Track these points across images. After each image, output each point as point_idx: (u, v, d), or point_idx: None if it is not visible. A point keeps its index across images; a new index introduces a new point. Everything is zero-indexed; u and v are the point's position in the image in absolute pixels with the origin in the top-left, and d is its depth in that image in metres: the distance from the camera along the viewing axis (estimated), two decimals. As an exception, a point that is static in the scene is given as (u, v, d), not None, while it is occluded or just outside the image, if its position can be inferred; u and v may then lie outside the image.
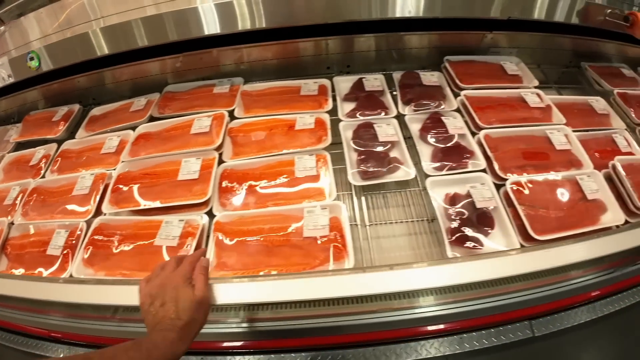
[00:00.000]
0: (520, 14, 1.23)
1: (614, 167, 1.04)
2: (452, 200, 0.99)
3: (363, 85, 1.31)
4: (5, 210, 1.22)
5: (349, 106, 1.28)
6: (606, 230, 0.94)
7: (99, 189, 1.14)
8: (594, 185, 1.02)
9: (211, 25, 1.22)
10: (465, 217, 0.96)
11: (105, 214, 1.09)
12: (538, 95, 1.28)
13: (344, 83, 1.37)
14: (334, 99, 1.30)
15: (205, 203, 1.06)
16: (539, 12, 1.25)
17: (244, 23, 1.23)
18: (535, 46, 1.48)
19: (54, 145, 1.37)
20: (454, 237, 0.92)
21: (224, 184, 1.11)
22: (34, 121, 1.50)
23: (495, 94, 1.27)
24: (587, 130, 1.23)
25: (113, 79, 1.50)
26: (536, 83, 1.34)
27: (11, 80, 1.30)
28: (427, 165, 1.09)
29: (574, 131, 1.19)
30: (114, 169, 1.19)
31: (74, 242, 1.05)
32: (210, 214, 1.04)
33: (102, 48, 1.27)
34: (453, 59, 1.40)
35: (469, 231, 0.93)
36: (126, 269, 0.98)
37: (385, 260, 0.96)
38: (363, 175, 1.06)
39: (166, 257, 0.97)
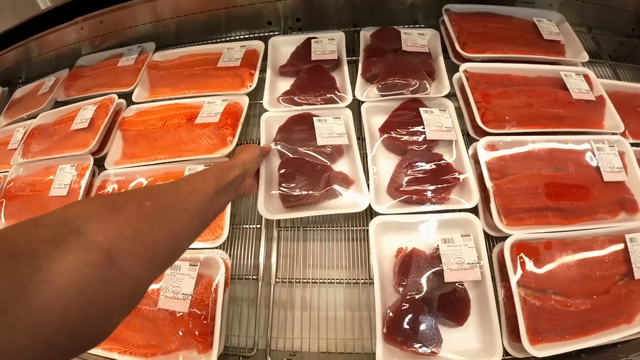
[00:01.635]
0: None
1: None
2: (406, 262, 0.55)
3: (310, 51, 0.80)
4: None
5: (284, 85, 0.79)
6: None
7: None
8: (656, 253, 0.56)
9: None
10: (422, 294, 0.53)
11: None
12: (586, 78, 0.74)
13: (284, 47, 0.85)
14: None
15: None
16: None
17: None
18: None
19: None
20: (393, 329, 0.51)
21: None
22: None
23: (518, 72, 0.73)
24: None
25: (38, 52, 1.07)
26: (585, 58, 0.78)
27: None
28: (380, 192, 0.63)
29: (633, 145, 0.68)
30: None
31: None
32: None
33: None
34: (457, 9, 0.83)
35: (423, 321, 0.51)
36: None
37: (284, 345, 0.58)
38: (285, 201, 0.63)
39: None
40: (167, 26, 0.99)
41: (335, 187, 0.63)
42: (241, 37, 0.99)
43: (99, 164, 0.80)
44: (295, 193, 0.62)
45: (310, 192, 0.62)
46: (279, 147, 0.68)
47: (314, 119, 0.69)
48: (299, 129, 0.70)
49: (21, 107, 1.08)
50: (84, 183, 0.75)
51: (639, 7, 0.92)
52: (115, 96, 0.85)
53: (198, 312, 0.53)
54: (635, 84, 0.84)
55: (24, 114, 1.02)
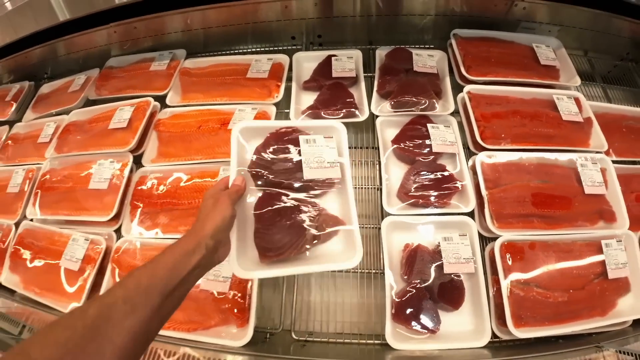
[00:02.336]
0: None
1: (662, 233, 0.67)
2: (412, 256, 0.66)
3: (331, 68, 0.91)
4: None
5: (307, 97, 0.90)
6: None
7: (28, 187, 0.98)
8: (622, 256, 0.67)
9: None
10: (425, 283, 0.64)
11: (31, 219, 0.94)
12: (576, 101, 0.84)
13: (307, 62, 0.96)
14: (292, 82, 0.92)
15: (116, 218, 0.84)
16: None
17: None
18: (585, 26, 0.98)
19: (6, 128, 1.18)
20: (400, 311, 0.62)
21: (136, 196, 0.85)
22: (-9, 99, 1.27)
23: (515, 94, 0.84)
24: (633, 162, 0.82)
25: (65, 51, 1.18)
26: (577, 82, 0.89)
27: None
28: (391, 196, 0.74)
29: (615, 162, 0.78)
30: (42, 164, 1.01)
31: (3, 245, 0.94)
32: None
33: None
34: (464, 34, 0.94)
35: (425, 305, 0.62)
36: (38, 287, 0.84)
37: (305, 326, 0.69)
38: (263, 255, 0.52)
39: (66, 282, 0.81)
40: (196, 35, 1.09)
41: (328, 230, 0.53)
42: (266, 49, 1.10)
43: (135, 162, 0.89)
44: (277, 245, 0.51)
45: (295, 243, 0.52)
46: (258, 182, 0.55)
47: (301, 139, 0.57)
48: (280, 151, 0.57)
49: (50, 102, 1.18)
50: (124, 177, 0.84)
51: (634, 33, 1.02)
52: (151, 99, 0.95)
53: (237, 292, 0.64)
54: (623, 106, 0.95)
55: (54, 109, 1.12)
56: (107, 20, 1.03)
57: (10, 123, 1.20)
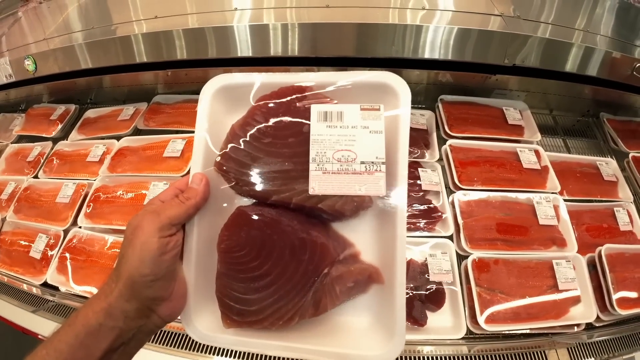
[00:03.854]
0: (528, 61, 1.09)
1: (599, 256, 0.92)
2: (406, 268, 0.92)
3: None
4: (0, 205, 1.33)
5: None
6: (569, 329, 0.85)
7: (78, 199, 1.20)
8: (571, 273, 0.91)
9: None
10: (415, 287, 0.89)
11: (80, 227, 1.15)
12: (536, 153, 1.14)
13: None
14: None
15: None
16: (550, 62, 1.10)
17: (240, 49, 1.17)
18: (548, 92, 1.32)
19: (49, 144, 1.42)
20: (398, 310, 0.86)
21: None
22: (35, 116, 1.55)
23: (486, 147, 1.15)
24: (586, 201, 1.09)
25: (110, 84, 1.49)
26: (538, 138, 1.19)
27: (12, 79, 1.36)
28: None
29: (567, 200, 1.06)
30: (94, 180, 1.23)
31: (51, 248, 1.14)
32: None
33: (88, 61, 1.28)
34: (448, 98, 1.27)
35: (415, 304, 0.87)
36: (90, 285, 1.03)
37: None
38: (226, 317, 0.38)
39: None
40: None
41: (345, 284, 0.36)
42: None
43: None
44: (250, 308, 0.36)
45: (282, 309, 0.36)
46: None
47: (314, 110, 0.37)
48: (271, 133, 0.38)
49: (98, 127, 1.35)
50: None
51: (595, 95, 1.34)
52: None
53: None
54: (578, 155, 1.24)
55: (103, 133, 1.31)
56: (164, 67, 1.31)
57: (53, 140, 1.38)
